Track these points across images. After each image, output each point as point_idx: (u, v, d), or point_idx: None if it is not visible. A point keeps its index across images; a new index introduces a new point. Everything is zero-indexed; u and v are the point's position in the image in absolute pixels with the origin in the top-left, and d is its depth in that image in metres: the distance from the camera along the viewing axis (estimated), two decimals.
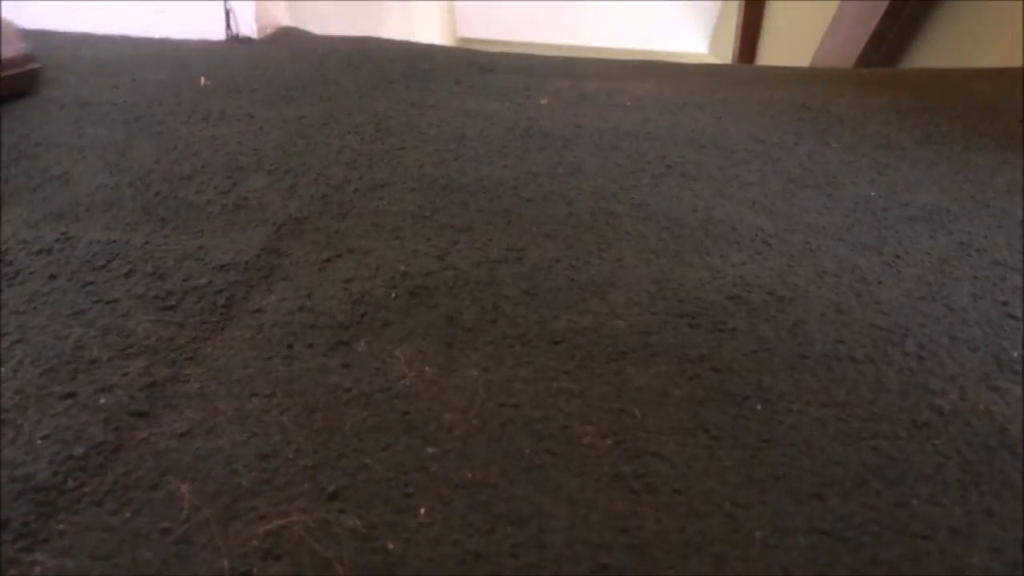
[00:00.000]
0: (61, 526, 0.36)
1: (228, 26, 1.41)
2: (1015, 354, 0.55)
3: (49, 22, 1.41)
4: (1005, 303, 0.63)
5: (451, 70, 1.32)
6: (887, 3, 2.28)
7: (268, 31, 1.47)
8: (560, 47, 5.04)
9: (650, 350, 0.53)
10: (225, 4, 1.40)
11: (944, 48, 2.13)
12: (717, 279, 0.64)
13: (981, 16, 1.98)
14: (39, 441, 0.41)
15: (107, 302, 0.55)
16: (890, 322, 0.59)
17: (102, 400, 0.45)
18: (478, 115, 1.07)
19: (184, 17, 1.41)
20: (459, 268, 0.63)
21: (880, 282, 0.65)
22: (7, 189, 0.70)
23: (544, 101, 1.16)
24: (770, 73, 1.53)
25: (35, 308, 0.53)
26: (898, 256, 0.70)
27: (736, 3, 3.92)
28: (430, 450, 0.43)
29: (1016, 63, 1.71)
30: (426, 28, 3.92)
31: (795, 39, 3.21)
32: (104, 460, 0.40)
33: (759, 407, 0.48)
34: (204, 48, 1.33)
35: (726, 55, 4.24)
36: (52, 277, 0.57)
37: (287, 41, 1.45)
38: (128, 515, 0.37)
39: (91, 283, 0.57)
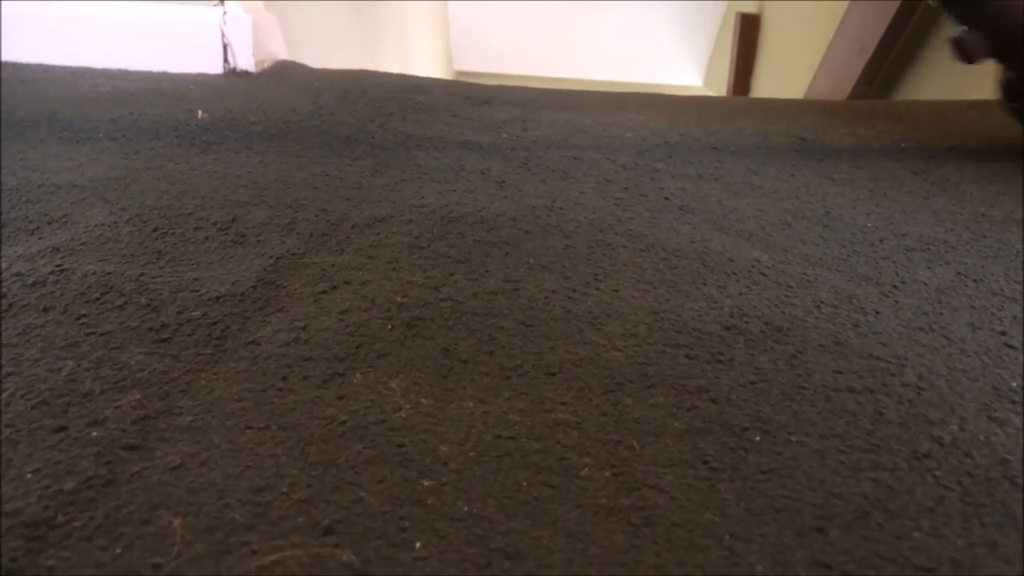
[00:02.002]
0: (51, 562, 0.36)
1: (226, 60, 1.42)
2: (1014, 384, 0.55)
3: (46, 56, 1.42)
4: (1003, 333, 0.62)
5: (448, 103, 1.33)
6: (880, 36, 2.30)
7: (265, 65, 1.48)
8: (556, 80, 5.08)
9: (648, 381, 0.53)
10: (223, 38, 1.41)
11: (937, 81, 2.15)
12: (714, 310, 0.64)
13: None
14: (29, 475, 0.40)
15: (101, 334, 0.54)
16: (888, 352, 0.58)
17: (94, 433, 0.44)
18: (475, 147, 1.07)
19: (181, 51, 1.42)
20: (456, 299, 0.63)
21: (878, 312, 0.65)
22: (6, 232, 0.70)
23: (540, 133, 1.16)
24: (765, 105, 1.54)
25: (28, 341, 0.52)
26: (895, 287, 0.70)
27: (730, 36, 3.96)
28: (426, 483, 0.42)
29: None
30: (423, 61, 3.95)
31: (789, 72, 3.24)
32: (95, 494, 0.40)
33: (758, 438, 0.47)
34: (201, 81, 1.34)
35: (721, 88, 4.28)
36: (46, 310, 0.57)
37: (285, 75, 1.46)
38: (119, 550, 0.36)
39: (85, 315, 0.56)
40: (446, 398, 0.50)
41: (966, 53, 1.16)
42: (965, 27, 1.16)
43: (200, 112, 1.12)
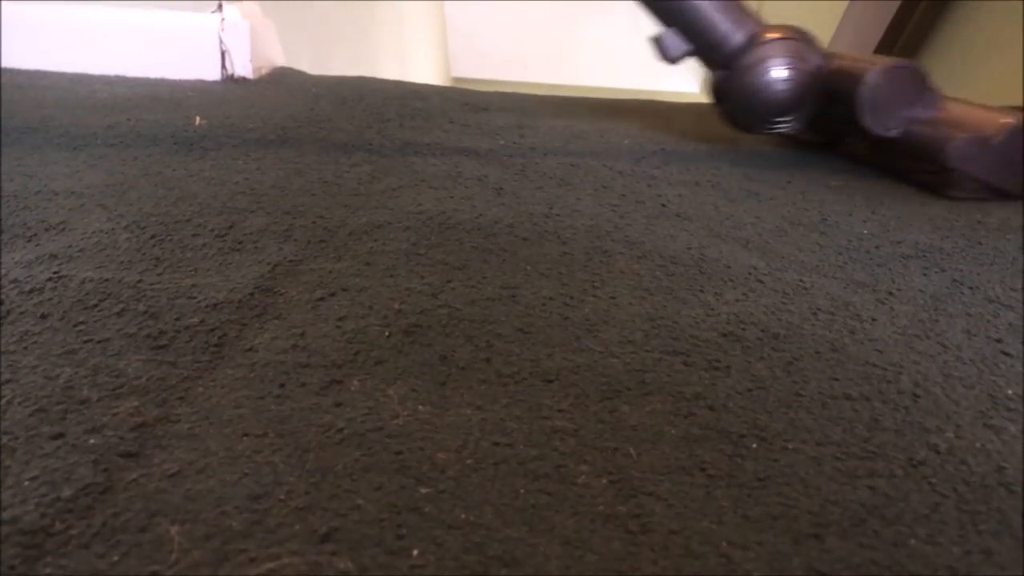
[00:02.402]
0: (48, 570, 0.36)
1: (224, 66, 1.42)
2: (1010, 392, 0.55)
3: (44, 62, 1.42)
4: (999, 340, 0.63)
5: (445, 109, 1.33)
6: (877, 42, 2.31)
7: (263, 71, 1.48)
8: (553, 86, 5.09)
9: (645, 388, 0.53)
10: (221, 45, 1.41)
11: (937, 81, 2.15)
12: (711, 317, 0.64)
13: (970, 57, 2.01)
14: (27, 483, 0.40)
15: (98, 341, 0.54)
16: (884, 360, 0.58)
17: (91, 441, 0.44)
18: (473, 154, 1.07)
19: (180, 57, 1.42)
20: (453, 306, 0.63)
21: (874, 320, 0.65)
22: (4, 239, 0.70)
23: (537, 140, 1.17)
24: None
25: (26, 348, 0.52)
26: (891, 294, 0.70)
27: None
28: (423, 490, 0.42)
29: (1004, 101, 1.73)
30: (420, 67, 3.96)
31: None
32: (93, 502, 0.40)
33: (755, 446, 0.47)
34: (199, 88, 1.34)
35: None
36: (43, 317, 0.57)
37: (282, 81, 1.47)
38: (116, 558, 0.36)
39: (82, 322, 0.56)
40: (444, 405, 0.50)
41: (665, 53, 1.15)
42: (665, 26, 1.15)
43: (198, 118, 1.12)
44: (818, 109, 1.16)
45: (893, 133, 1.10)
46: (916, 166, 1.09)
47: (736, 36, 1.12)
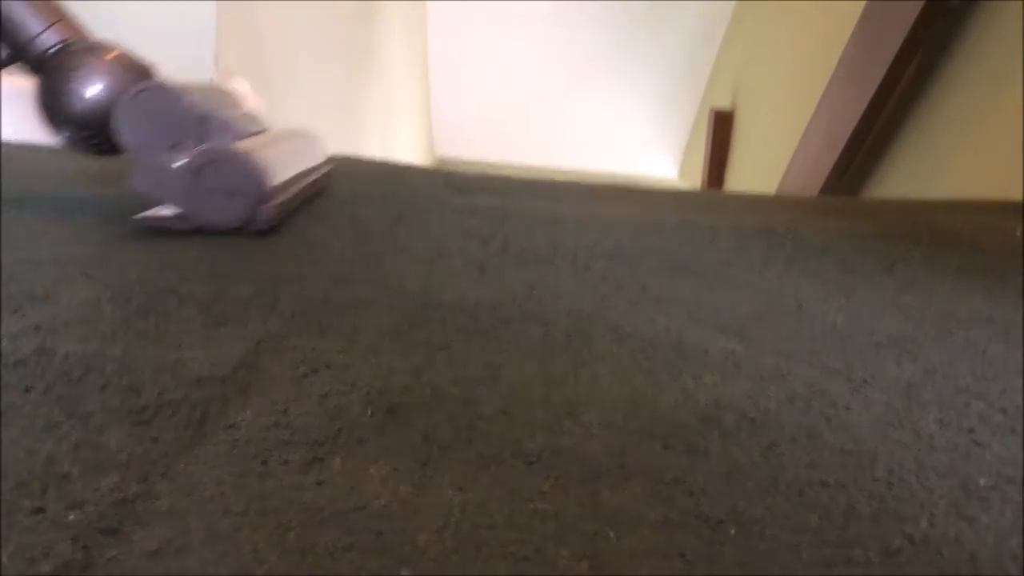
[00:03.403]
0: None
1: None
2: (982, 482, 0.56)
3: (39, 135, 1.43)
4: (971, 430, 0.64)
5: (429, 189, 1.35)
6: (849, 134, 2.37)
7: None
8: (534, 168, 5.18)
9: (625, 471, 0.53)
10: None
11: (906, 178, 2.22)
12: (690, 401, 0.65)
13: (939, 149, 2.07)
14: (5, 559, 0.40)
15: (81, 416, 0.54)
16: (860, 447, 0.59)
17: (71, 517, 0.44)
18: (456, 229, 1.09)
19: None
20: (436, 385, 0.64)
21: (849, 407, 0.66)
22: None
23: (519, 221, 1.19)
24: (738, 199, 1.58)
25: (8, 421, 0.52)
26: (866, 381, 0.72)
27: (705, 131, 4.07)
28: (404, 572, 0.42)
29: (973, 194, 1.79)
30: (405, 148, 4.02)
31: (762, 167, 3.32)
32: None
33: (733, 531, 0.48)
34: None
35: (696, 180, 4.38)
36: (27, 390, 0.57)
37: None
38: None
39: (66, 396, 0.56)
40: (425, 485, 0.50)
41: None
42: None
43: None
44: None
45: None
46: None
47: (47, 38, 1.05)
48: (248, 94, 1.52)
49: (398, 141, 3.79)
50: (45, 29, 1.06)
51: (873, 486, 0.54)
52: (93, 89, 1.04)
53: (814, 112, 2.67)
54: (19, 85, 1.41)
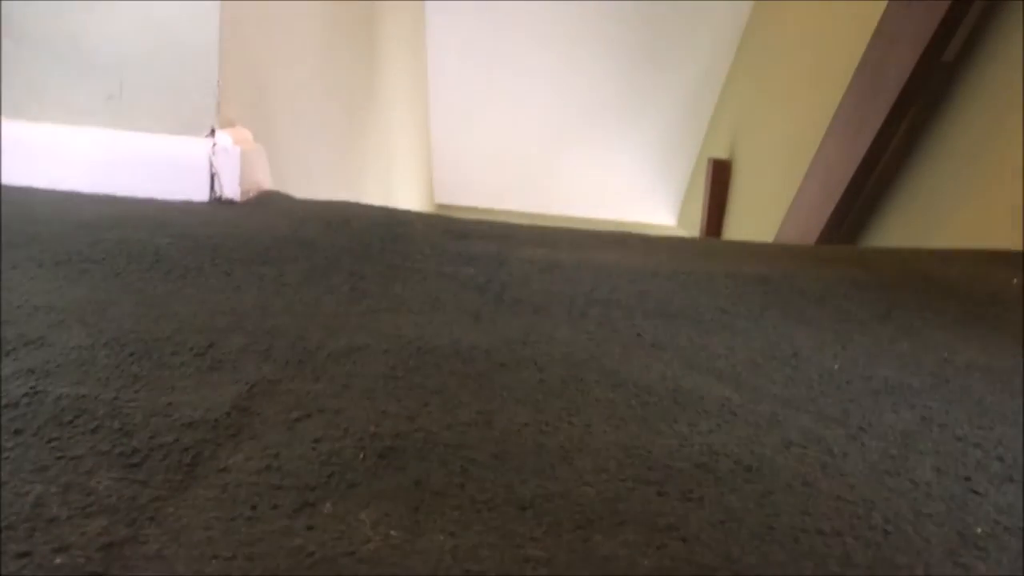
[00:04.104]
0: None
1: (212, 188, 1.46)
2: (978, 530, 0.55)
3: (36, 179, 1.44)
4: (968, 478, 0.63)
5: (427, 235, 1.36)
6: (846, 184, 2.39)
7: (251, 194, 1.52)
8: (533, 215, 5.21)
9: (618, 518, 0.53)
10: (211, 168, 1.45)
11: (902, 228, 2.23)
12: (685, 447, 0.65)
13: (935, 199, 2.08)
14: None
15: (71, 459, 0.54)
16: (856, 495, 0.59)
17: (58, 560, 0.43)
18: (452, 279, 1.09)
19: (170, 178, 1.45)
20: (429, 430, 0.63)
21: (845, 455, 0.66)
22: None
23: (516, 268, 1.19)
24: (736, 247, 1.59)
25: None
26: (862, 429, 0.72)
27: (703, 180, 4.11)
28: None
29: (968, 243, 1.80)
30: (405, 194, 4.05)
31: (759, 216, 3.34)
32: None
33: None
34: (186, 208, 1.37)
35: (694, 228, 4.40)
36: (17, 432, 0.56)
37: (269, 204, 1.50)
38: None
39: (56, 439, 0.56)
40: (416, 531, 0.50)
41: None
42: None
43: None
44: None
45: None
46: None
47: None
48: (249, 139, 1.54)
49: (399, 188, 3.81)
50: None
51: (869, 534, 0.54)
52: None
53: (811, 162, 2.69)
54: (20, 129, 1.42)
